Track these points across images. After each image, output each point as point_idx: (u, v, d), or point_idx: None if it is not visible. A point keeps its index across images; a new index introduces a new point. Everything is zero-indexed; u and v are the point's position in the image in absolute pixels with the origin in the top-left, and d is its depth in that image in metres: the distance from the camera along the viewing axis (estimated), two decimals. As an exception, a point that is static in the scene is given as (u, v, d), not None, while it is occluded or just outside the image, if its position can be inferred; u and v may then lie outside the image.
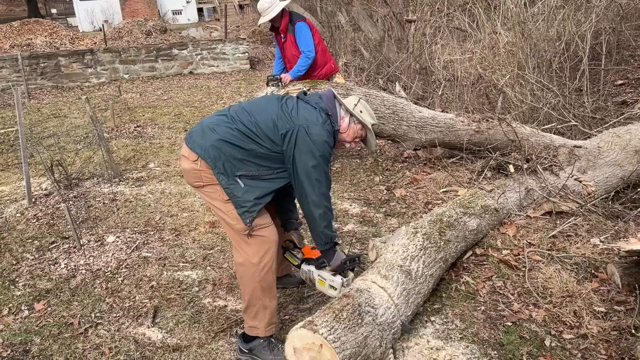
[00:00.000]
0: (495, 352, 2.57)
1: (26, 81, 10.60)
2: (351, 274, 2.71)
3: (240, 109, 2.52)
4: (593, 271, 3.10)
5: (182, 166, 2.56)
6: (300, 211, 2.58)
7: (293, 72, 4.99)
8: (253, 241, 2.49)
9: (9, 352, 2.71)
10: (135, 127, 7.18)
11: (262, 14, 4.89)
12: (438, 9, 8.59)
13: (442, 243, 3.03)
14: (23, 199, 4.73)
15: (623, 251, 2.88)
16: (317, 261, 2.74)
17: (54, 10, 35.75)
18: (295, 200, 2.86)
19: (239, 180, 2.41)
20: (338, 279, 2.64)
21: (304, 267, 2.80)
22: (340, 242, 2.91)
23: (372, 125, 2.65)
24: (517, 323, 2.77)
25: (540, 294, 2.96)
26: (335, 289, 2.64)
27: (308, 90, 4.62)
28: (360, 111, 2.59)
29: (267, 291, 2.55)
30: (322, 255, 2.65)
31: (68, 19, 31.25)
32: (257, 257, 2.49)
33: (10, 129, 7.68)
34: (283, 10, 4.93)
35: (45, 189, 4.88)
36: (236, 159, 2.40)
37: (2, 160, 6.10)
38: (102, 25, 15.85)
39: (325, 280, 2.68)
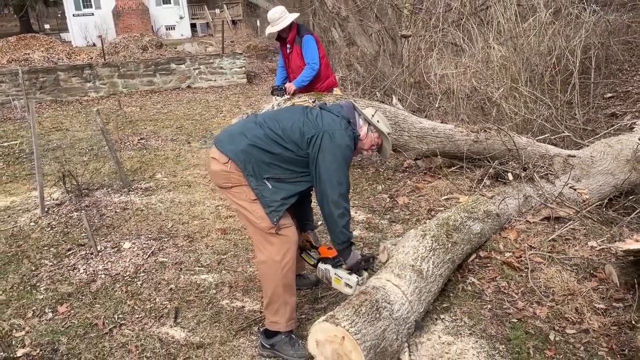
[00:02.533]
0: (503, 346, 2.73)
1: (26, 95, 10.71)
2: (365, 274, 2.85)
3: (268, 116, 2.70)
4: (592, 271, 3.27)
5: (211, 168, 2.71)
6: (319, 213, 2.73)
7: (297, 81, 5.17)
8: (276, 240, 2.64)
9: (38, 352, 2.82)
10: (139, 140, 7.31)
11: (272, 23, 5.07)
12: (433, 24, 8.86)
13: (450, 245, 3.19)
14: (35, 208, 4.84)
15: (620, 251, 3.06)
16: (333, 260, 2.88)
17: (47, 26, 35.92)
18: (312, 204, 3.03)
19: (266, 182, 2.57)
20: (354, 277, 2.78)
21: (321, 265, 2.93)
22: (355, 242, 3.05)
23: (388, 134, 2.82)
24: (523, 320, 2.92)
25: (543, 293, 3.12)
26: (351, 287, 2.79)
27: (313, 102, 4.80)
28: (378, 121, 2.76)
29: (288, 288, 2.69)
30: (339, 254, 2.79)
31: (61, 34, 31.44)
32: (280, 255, 2.64)
33: (13, 142, 7.78)
34: (292, 22, 5.13)
35: (57, 199, 5.00)
36: (264, 163, 2.56)
37: (9, 172, 6.21)
38: (100, 40, 15.99)
39: (342, 278, 2.82)
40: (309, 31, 5.26)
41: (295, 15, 5.12)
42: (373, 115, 2.77)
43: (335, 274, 2.85)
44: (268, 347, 2.72)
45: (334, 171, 2.53)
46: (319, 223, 3.85)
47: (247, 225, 2.72)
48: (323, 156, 2.52)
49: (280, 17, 5.02)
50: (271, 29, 5.13)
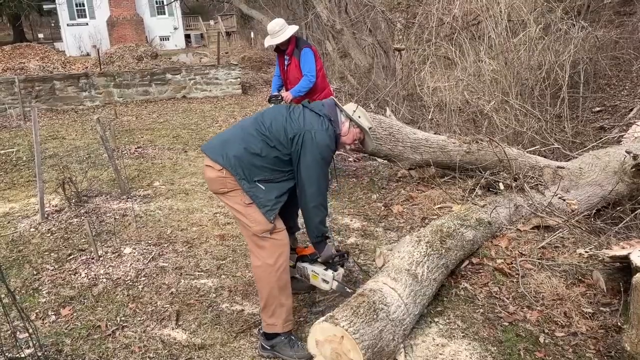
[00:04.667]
0: (495, 348, 2.83)
1: (22, 104, 10.75)
2: (341, 269, 3.01)
3: (253, 119, 2.82)
4: (580, 277, 3.39)
5: (206, 175, 2.81)
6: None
7: (294, 91, 5.29)
8: (268, 244, 2.74)
9: (42, 352, 2.88)
10: (136, 148, 7.39)
11: (272, 35, 5.18)
12: (425, 38, 9.04)
13: (444, 251, 3.30)
14: (34, 214, 4.90)
15: (607, 257, 3.18)
16: (310, 257, 3.03)
17: (40, 35, 36.01)
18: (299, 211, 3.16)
19: (258, 184, 2.69)
20: (329, 272, 2.93)
21: (299, 264, 3.07)
22: (331, 236, 3.11)
23: (370, 128, 2.92)
24: (514, 323, 3.03)
25: (533, 298, 3.23)
26: (327, 282, 2.93)
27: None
28: (359, 116, 2.87)
29: (283, 290, 2.78)
30: (314, 248, 2.93)
31: (55, 43, 31.50)
32: (273, 258, 2.74)
33: (10, 150, 7.83)
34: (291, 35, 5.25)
35: (56, 205, 5.06)
36: (255, 166, 2.68)
37: (7, 179, 6.26)
38: (94, 50, 16.08)
39: (318, 274, 2.96)
40: (308, 44, 5.39)
41: (295, 28, 5.25)
42: (354, 111, 2.86)
43: (312, 270, 2.99)
44: (268, 348, 2.81)
45: (313, 169, 2.66)
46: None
47: (242, 230, 2.84)
48: (304, 155, 2.65)
49: (280, 30, 5.14)
50: (271, 41, 5.25)
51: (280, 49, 5.41)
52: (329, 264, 2.99)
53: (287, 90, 5.51)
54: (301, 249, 3.13)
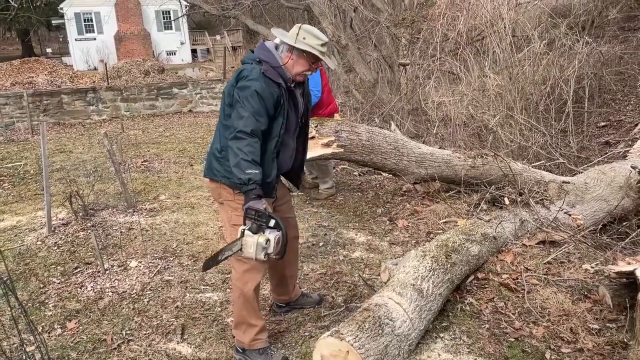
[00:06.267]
0: (501, 364, 2.82)
1: (30, 118, 10.86)
2: (268, 234, 2.55)
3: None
4: (586, 293, 3.37)
5: (210, 187, 2.91)
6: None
7: None
8: (240, 268, 2.78)
9: (48, 365, 2.89)
10: (142, 162, 7.45)
11: None
12: (430, 53, 9.11)
13: (449, 265, 3.30)
14: (41, 227, 4.93)
15: (613, 273, 3.18)
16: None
17: (49, 50, 36.37)
18: None
19: None
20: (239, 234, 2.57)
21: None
22: (258, 188, 2.52)
23: (323, 44, 2.69)
24: (519, 339, 3.02)
25: (539, 313, 3.22)
26: (240, 245, 2.55)
27: (315, 127, 4.96)
28: (304, 38, 2.65)
29: (251, 313, 2.82)
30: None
31: (63, 58, 31.82)
32: (241, 282, 2.79)
33: (18, 163, 7.90)
34: None
35: (63, 219, 5.10)
36: (224, 158, 2.69)
37: (15, 192, 6.32)
38: (102, 64, 16.25)
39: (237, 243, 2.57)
40: (313, 60, 5.43)
41: None
42: (297, 34, 2.65)
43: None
44: (241, 351, 2.89)
45: (244, 110, 2.54)
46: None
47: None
48: (237, 99, 2.58)
49: None
50: None
51: None
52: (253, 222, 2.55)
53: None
54: None
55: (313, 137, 4.92)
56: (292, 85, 2.75)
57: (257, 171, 2.50)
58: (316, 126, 4.93)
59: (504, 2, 8.23)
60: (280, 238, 2.58)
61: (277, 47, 2.75)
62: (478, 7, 8.56)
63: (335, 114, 5.73)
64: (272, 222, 2.56)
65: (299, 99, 2.85)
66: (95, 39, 30.46)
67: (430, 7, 9.89)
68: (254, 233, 2.52)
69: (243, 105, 2.55)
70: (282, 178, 3.09)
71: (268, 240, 2.53)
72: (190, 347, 3.04)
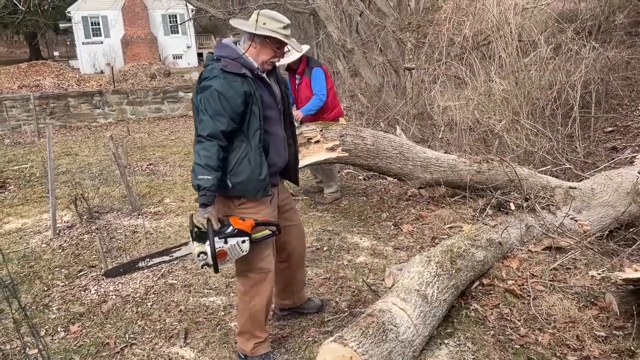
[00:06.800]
0: (506, 371, 2.79)
1: (37, 121, 10.92)
2: (197, 244, 2.51)
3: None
4: (593, 300, 3.34)
5: None
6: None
7: (305, 109, 5.33)
8: (249, 282, 2.75)
9: (51, 369, 2.88)
10: (147, 165, 7.46)
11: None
12: (436, 58, 9.09)
13: (454, 271, 3.27)
14: (46, 230, 4.94)
15: (620, 279, 3.14)
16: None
17: (56, 53, 36.60)
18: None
19: (229, 179, 2.54)
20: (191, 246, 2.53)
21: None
22: (210, 195, 2.46)
23: (284, 27, 2.56)
24: (525, 346, 2.98)
25: (544, 320, 3.19)
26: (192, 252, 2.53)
27: (320, 131, 4.95)
28: (264, 23, 2.54)
29: (256, 326, 2.79)
30: None
31: (70, 61, 32.02)
32: (249, 296, 2.76)
33: (24, 165, 7.93)
34: (302, 55, 5.31)
35: (67, 222, 5.11)
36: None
37: (21, 195, 6.34)
38: (108, 68, 16.33)
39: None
40: (319, 63, 5.45)
41: (306, 47, 5.31)
42: (257, 21, 2.53)
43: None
44: (242, 357, 2.85)
45: (203, 113, 2.48)
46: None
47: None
48: (200, 107, 2.50)
49: (292, 50, 5.20)
50: (283, 60, 5.30)
51: (291, 68, 5.47)
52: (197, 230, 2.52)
53: (297, 109, 5.55)
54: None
55: (318, 141, 4.92)
56: (262, 73, 2.62)
57: (209, 177, 2.41)
58: (321, 130, 4.92)
59: (510, 7, 8.19)
60: (227, 251, 2.50)
61: (237, 42, 2.65)
62: (484, 11, 8.53)
63: (340, 118, 5.73)
64: (214, 235, 2.47)
65: (274, 87, 2.72)
66: (102, 42, 30.63)
67: (436, 12, 9.87)
68: (196, 241, 2.48)
69: (203, 108, 2.48)
70: (284, 182, 3.05)
71: (203, 252, 2.47)
72: (193, 352, 3.03)
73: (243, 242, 2.54)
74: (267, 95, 2.63)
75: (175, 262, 2.47)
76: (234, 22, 2.68)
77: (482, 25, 8.75)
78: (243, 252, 2.56)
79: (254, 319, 2.78)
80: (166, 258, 2.58)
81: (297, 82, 5.50)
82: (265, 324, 2.86)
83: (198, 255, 2.48)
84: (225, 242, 2.49)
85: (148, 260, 2.56)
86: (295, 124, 5.18)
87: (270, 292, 2.82)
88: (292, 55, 5.21)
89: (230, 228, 2.53)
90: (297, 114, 5.34)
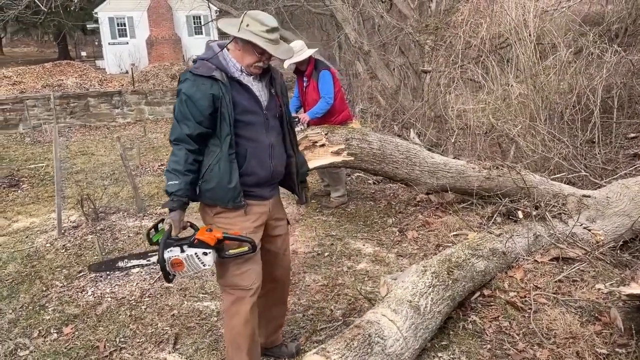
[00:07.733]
0: (500, 388, 2.68)
1: (56, 119, 11.09)
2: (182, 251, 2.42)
3: None
4: (597, 315, 3.20)
5: None
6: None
7: (311, 112, 5.27)
8: (230, 298, 2.56)
9: (38, 371, 2.88)
10: (159, 166, 7.50)
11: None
12: (453, 60, 8.94)
13: (450, 282, 3.17)
14: (52, 230, 4.99)
15: (624, 295, 3.00)
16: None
17: (83, 53, 37.23)
18: None
19: (200, 185, 2.48)
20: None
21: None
22: (177, 200, 2.41)
23: (268, 31, 2.40)
24: (522, 361, 2.88)
25: (544, 335, 3.07)
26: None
27: (325, 134, 4.89)
28: (247, 25, 2.39)
29: (237, 350, 2.57)
30: None
31: (97, 61, 32.53)
32: (228, 315, 2.58)
33: (40, 165, 8.05)
34: (310, 56, 5.26)
35: (74, 222, 5.14)
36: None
37: (32, 193, 6.42)
38: (130, 68, 16.54)
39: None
40: (327, 66, 5.38)
41: (313, 50, 5.26)
42: (241, 23, 2.40)
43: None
44: None
45: (174, 117, 2.44)
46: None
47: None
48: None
49: (300, 50, 5.16)
50: (289, 61, 5.25)
51: (299, 71, 5.42)
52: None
53: (305, 111, 5.50)
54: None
55: (323, 145, 4.86)
56: (240, 75, 2.48)
57: (176, 182, 2.36)
58: (326, 133, 4.86)
59: (529, 10, 8.00)
60: (182, 261, 2.39)
61: (226, 44, 2.53)
62: (502, 14, 8.35)
63: (348, 122, 5.65)
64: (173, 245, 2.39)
65: (259, 91, 2.54)
66: (127, 42, 31.04)
67: (453, 14, 9.72)
68: (161, 247, 2.39)
69: (173, 113, 2.46)
70: (284, 190, 2.87)
71: (164, 259, 2.38)
72: (181, 358, 3.00)
73: (205, 254, 2.39)
74: (245, 99, 2.47)
75: (152, 266, 2.41)
76: (220, 23, 2.58)
77: (500, 28, 8.57)
78: (204, 265, 2.41)
79: (234, 343, 2.57)
80: (143, 262, 2.54)
81: (304, 84, 5.45)
82: (247, 356, 2.57)
83: (159, 262, 2.39)
84: (182, 251, 2.40)
85: (127, 260, 2.53)
86: (302, 126, 5.16)
87: (248, 315, 2.53)
88: (300, 55, 5.16)
89: (191, 238, 2.42)
90: (304, 116, 5.29)
